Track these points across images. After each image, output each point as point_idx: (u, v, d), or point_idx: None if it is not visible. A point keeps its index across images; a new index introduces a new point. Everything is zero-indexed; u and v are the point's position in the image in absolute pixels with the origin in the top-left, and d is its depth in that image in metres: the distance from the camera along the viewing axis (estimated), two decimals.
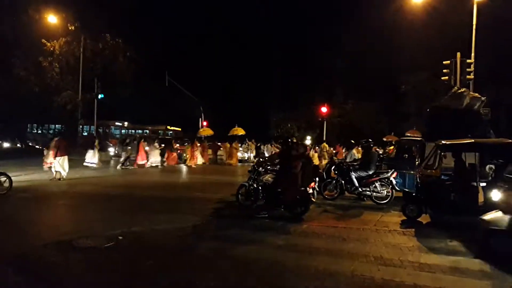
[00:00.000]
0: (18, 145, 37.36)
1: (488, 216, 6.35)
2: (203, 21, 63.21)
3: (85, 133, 37.59)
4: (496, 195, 6.92)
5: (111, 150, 29.11)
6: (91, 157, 20.26)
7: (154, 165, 22.27)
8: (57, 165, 14.93)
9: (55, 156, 14.90)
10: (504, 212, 6.22)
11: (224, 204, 10.84)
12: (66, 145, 15.54)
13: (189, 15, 61.32)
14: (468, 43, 18.56)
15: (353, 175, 11.42)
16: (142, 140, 22.73)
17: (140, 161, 21.61)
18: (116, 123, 41.27)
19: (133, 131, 40.77)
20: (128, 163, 21.35)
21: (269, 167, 10.60)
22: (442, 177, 8.75)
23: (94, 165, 20.10)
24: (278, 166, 10.03)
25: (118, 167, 20.71)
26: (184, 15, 62.25)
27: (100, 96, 32.44)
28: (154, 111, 46.73)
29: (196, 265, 5.75)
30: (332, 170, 12.69)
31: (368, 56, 40.66)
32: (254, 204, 9.94)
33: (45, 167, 16.15)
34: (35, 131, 42.49)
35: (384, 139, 29.60)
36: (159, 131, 40.14)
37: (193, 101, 42.23)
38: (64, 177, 15.05)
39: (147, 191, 13.28)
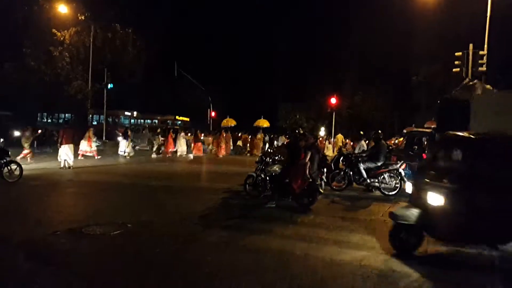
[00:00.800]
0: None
1: (398, 210, 6.11)
2: (212, 12, 62.93)
3: (95, 123, 37.83)
4: (408, 187, 6.69)
5: (120, 140, 29.35)
6: (125, 147, 21.37)
7: (181, 154, 23.06)
8: (63, 153, 15.11)
9: (61, 144, 15.06)
10: (414, 206, 6.00)
11: (232, 194, 10.87)
12: (72, 134, 15.71)
13: (198, 5, 61.06)
14: (482, 35, 18.23)
15: (362, 166, 11.36)
16: (171, 130, 23.92)
17: (169, 150, 22.72)
18: (126, 113, 41.49)
19: (142, 120, 41.00)
20: (160, 152, 22.68)
21: (276, 158, 10.61)
22: None
23: (127, 154, 21.20)
24: (286, 156, 10.02)
25: (153, 155, 22.06)
26: (193, 5, 62.01)
27: (109, 86, 32.56)
28: (162, 101, 46.92)
29: (204, 254, 5.78)
30: (341, 161, 12.65)
31: (379, 47, 40.25)
32: (261, 195, 9.98)
33: (80, 156, 18.09)
34: (45, 120, 42.86)
35: (405, 131, 29.36)
36: (168, 121, 40.31)
37: (201, 91, 42.28)
38: (71, 165, 15.21)
39: (157, 180, 13.36)
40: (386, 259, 5.70)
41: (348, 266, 5.34)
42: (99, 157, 19.60)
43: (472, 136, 6.29)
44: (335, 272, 5.16)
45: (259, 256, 5.72)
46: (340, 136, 26.79)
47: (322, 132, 37.61)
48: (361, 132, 15.09)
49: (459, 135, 6.47)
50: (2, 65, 31.94)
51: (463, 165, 5.91)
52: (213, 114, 42.60)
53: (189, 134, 27.83)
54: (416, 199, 6.09)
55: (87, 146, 19.25)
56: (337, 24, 52.21)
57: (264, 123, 31.40)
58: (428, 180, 6.00)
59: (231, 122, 32.05)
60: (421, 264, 5.51)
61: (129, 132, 22.36)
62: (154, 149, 22.99)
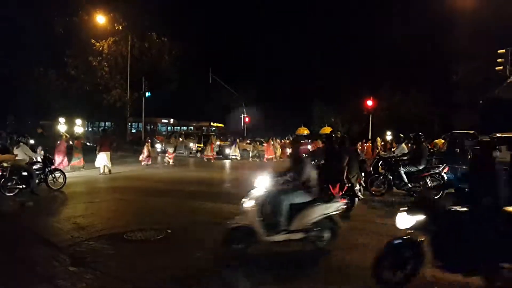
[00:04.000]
0: (70, 142, 39.01)
1: None
2: (246, 15, 63.45)
3: (134, 130, 38.78)
4: None
5: (158, 147, 30.12)
6: (233, 151, 25.64)
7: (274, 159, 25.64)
8: (101, 160, 15.96)
9: (99, 152, 15.76)
10: None
11: None
12: (109, 142, 16.52)
13: (229, 10, 61.63)
14: None
15: (402, 170, 11.01)
16: (271, 138, 27.47)
17: (269, 155, 25.94)
18: (163, 120, 42.35)
19: (178, 127, 41.71)
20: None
21: (313, 162, 10.45)
22: None
23: (237, 158, 25.48)
24: (323, 161, 9.88)
25: (250, 159, 26.13)
26: (226, 10, 62.69)
27: (147, 94, 33.39)
28: (197, 108, 47.61)
29: (242, 258, 5.79)
30: (380, 165, 12.34)
31: (416, 45, 39.28)
32: None
33: (143, 163, 19.98)
34: (86, 128, 44.29)
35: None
36: (203, 127, 40.80)
37: (235, 97, 42.61)
38: (107, 171, 16.05)
39: (194, 186, 13.52)
40: (430, 266, 5.50)
41: None
42: (213, 160, 24.03)
43: None
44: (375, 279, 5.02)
45: (295, 262, 5.67)
46: (378, 139, 26.42)
47: (388, 136, 35.83)
48: (401, 135, 14.62)
49: None
50: (46, 72, 33.48)
51: None
52: (247, 119, 42.82)
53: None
54: None
55: (210, 151, 24.00)
56: (373, 23, 51.38)
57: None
58: None
59: (305, 131, 32.47)
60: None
61: (238, 140, 26.89)
62: (251, 154, 26.92)
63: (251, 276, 5.13)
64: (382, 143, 27.77)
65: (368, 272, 5.23)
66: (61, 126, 23.64)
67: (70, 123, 39.95)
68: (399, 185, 11.19)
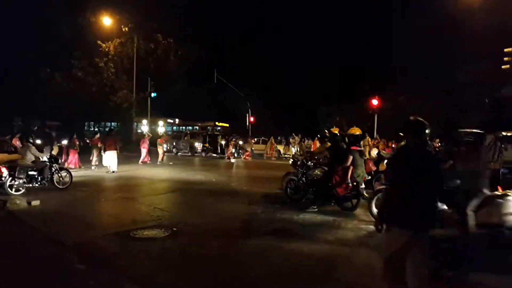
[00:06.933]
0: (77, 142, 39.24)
1: None
2: (251, 15, 63.52)
3: (140, 130, 39.03)
4: None
5: (165, 146, 30.24)
6: (286, 150, 28.95)
7: None
8: (109, 159, 16.40)
9: (105, 151, 16.43)
10: None
11: (272, 198, 10.86)
12: (113, 142, 16.68)
13: (238, 11, 61.79)
14: None
15: None
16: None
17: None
18: (168, 120, 42.50)
19: (183, 127, 41.89)
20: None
21: (317, 161, 10.49)
22: (502, 170, 8.28)
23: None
24: (328, 160, 9.91)
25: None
26: (233, 12, 62.83)
27: (153, 94, 33.56)
28: (203, 108, 47.77)
29: (247, 258, 5.84)
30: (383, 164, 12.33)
31: (423, 46, 39.09)
32: (303, 199, 9.90)
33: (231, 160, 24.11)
34: (92, 128, 44.59)
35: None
36: (208, 127, 40.92)
37: (240, 97, 42.63)
38: (115, 170, 16.33)
39: (199, 185, 13.58)
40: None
41: None
42: (274, 158, 27.20)
43: None
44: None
45: (303, 261, 5.70)
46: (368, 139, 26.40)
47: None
48: (401, 134, 14.57)
49: None
50: (53, 75, 33.78)
51: None
52: (252, 119, 42.83)
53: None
54: None
55: (270, 150, 27.90)
56: (379, 23, 51.28)
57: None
58: None
59: (358, 131, 32.67)
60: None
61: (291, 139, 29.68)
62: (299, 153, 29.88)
63: (264, 273, 5.18)
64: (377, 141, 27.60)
65: (375, 270, 5.28)
66: (144, 126, 25.88)
67: (79, 123, 40.40)
68: None
